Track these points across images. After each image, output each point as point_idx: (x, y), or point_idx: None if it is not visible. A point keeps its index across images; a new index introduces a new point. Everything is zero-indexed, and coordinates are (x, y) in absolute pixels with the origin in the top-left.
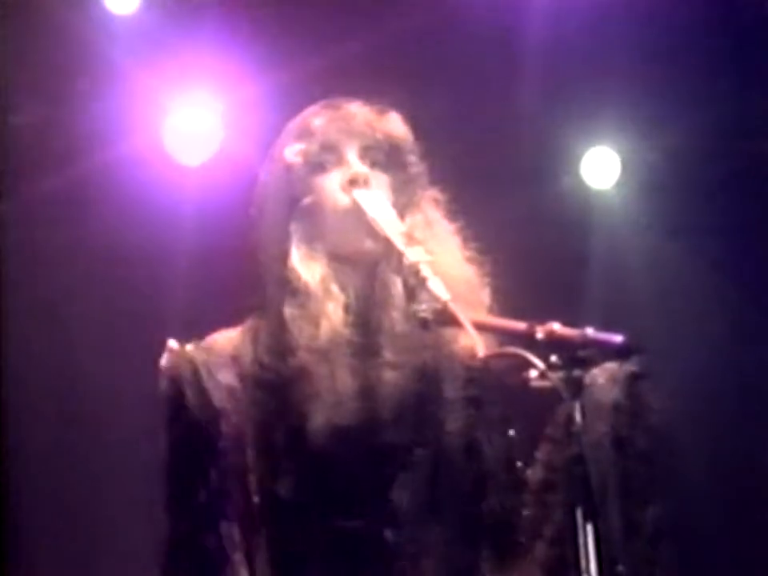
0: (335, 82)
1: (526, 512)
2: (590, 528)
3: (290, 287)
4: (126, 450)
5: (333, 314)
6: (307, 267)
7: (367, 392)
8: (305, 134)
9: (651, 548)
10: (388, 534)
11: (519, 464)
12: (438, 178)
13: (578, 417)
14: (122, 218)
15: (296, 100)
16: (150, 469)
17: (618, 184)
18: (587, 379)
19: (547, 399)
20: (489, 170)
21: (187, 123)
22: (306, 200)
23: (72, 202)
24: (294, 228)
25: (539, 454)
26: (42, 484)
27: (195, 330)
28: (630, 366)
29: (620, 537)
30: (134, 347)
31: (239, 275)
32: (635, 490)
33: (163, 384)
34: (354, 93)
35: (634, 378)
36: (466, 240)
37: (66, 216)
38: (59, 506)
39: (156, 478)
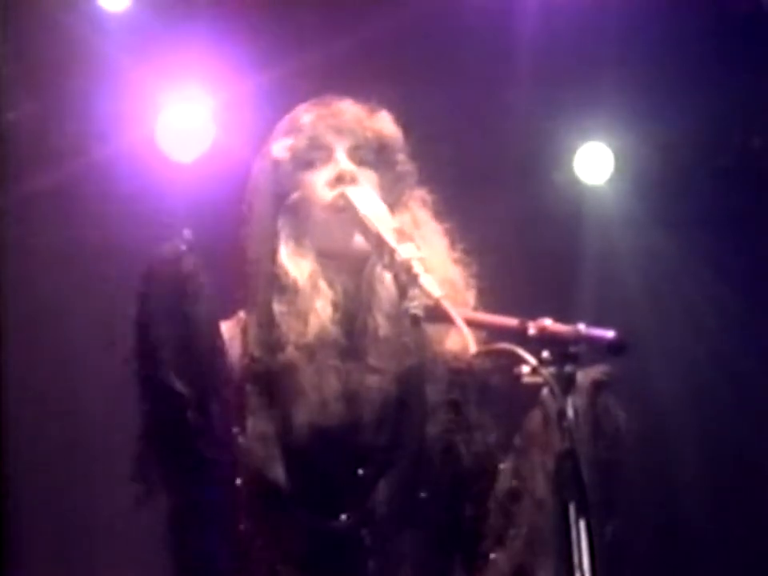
0: (327, 80)
1: (490, 521)
2: (582, 523)
3: (278, 284)
4: (125, 449)
5: (321, 311)
6: (295, 264)
7: (350, 395)
8: (293, 129)
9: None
10: (365, 533)
11: (501, 467)
12: (426, 179)
13: (569, 412)
14: (114, 213)
15: (287, 97)
16: None
17: (612, 179)
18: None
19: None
20: (481, 167)
21: (179, 119)
22: (294, 196)
23: (65, 198)
24: (282, 224)
25: (506, 463)
26: (41, 484)
27: None
28: (594, 374)
29: None
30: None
31: (231, 271)
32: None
33: None
34: (345, 91)
35: (596, 387)
36: (453, 242)
37: (59, 212)
38: (59, 506)
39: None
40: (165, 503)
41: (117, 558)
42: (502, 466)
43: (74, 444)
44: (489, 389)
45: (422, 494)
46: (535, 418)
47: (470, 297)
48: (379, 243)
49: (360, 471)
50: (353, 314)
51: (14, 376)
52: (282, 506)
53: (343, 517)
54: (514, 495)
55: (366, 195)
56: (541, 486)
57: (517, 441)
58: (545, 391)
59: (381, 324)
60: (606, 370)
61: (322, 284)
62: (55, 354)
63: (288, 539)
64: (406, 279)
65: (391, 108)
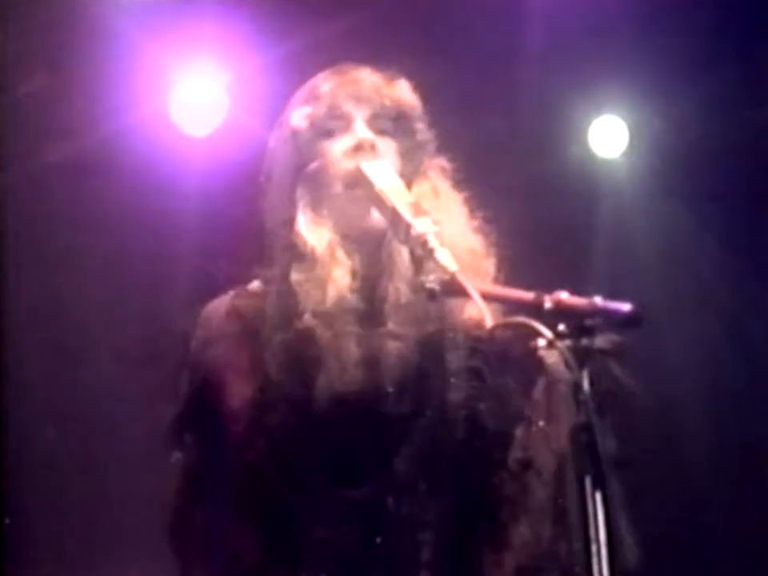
0: (342, 51)
1: (505, 490)
2: (598, 496)
3: (296, 252)
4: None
5: (339, 280)
6: (313, 232)
7: (370, 361)
8: (312, 98)
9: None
10: (390, 501)
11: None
12: (444, 148)
13: (585, 385)
14: (129, 188)
15: (302, 69)
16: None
17: (626, 153)
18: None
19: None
20: (497, 140)
21: (193, 94)
22: (312, 165)
23: (79, 173)
24: (300, 194)
25: (518, 432)
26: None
27: (203, 298)
28: (600, 343)
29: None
30: (141, 317)
31: (247, 243)
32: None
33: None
34: (361, 61)
35: (602, 355)
36: (472, 210)
37: (73, 186)
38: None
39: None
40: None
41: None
42: (516, 433)
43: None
44: (508, 358)
45: (445, 462)
46: (540, 386)
47: (490, 265)
48: (395, 217)
49: (383, 439)
50: (372, 283)
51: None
52: (303, 475)
53: (366, 485)
54: (524, 464)
55: (382, 169)
56: (541, 458)
57: (527, 411)
58: (550, 359)
59: (402, 291)
60: (614, 339)
61: (340, 253)
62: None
63: (309, 509)
64: (421, 253)
65: (409, 78)
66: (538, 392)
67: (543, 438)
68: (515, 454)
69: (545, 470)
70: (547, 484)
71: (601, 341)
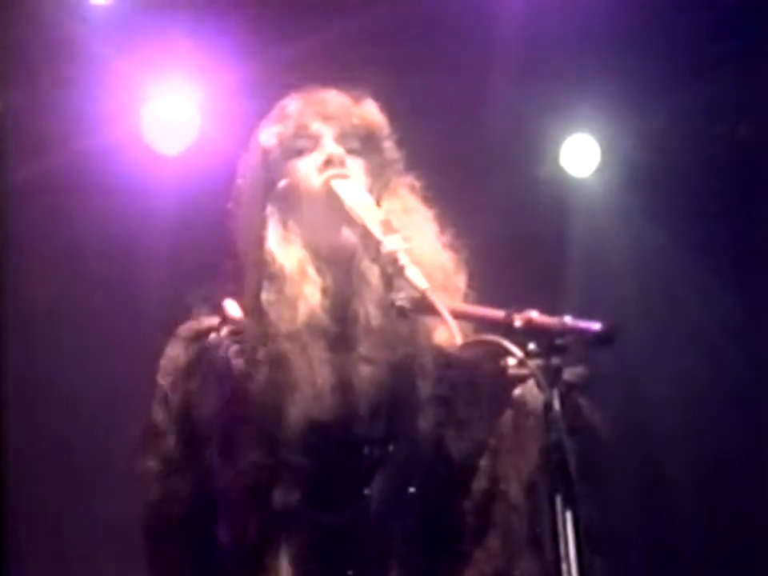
0: (313, 72)
1: (468, 519)
2: (569, 515)
3: (266, 271)
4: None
5: (310, 297)
6: (283, 250)
7: (344, 386)
8: (280, 117)
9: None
10: (362, 528)
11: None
12: (414, 166)
13: (556, 404)
14: (100, 206)
15: (273, 88)
16: None
17: (598, 171)
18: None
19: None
20: (468, 158)
21: (165, 112)
22: (282, 183)
23: (50, 190)
24: (270, 211)
25: (482, 462)
26: (41, 482)
27: (176, 317)
28: (567, 376)
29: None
30: (112, 335)
31: (219, 263)
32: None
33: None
34: (332, 81)
35: (568, 388)
36: (442, 227)
37: (43, 204)
38: (59, 506)
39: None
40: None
41: (117, 558)
42: (480, 463)
43: (74, 443)
44: (478, 385)
45: (413, 489)
46: (508, 418)
47: (461, 282)
48: (365, 235)
49: (355, 464)
50: (343, 303)
51: (14, 376)
52: (276, 499)
53: (340, 511)
54: (488, 495)
55: (353, 187)
56: (513, 489)
57: (492, 441)
58: (517, 391)
59: (372, 314)
60: (580, 371)
61: (311, 270)
62: (55, 353)
63: (280, 533)
64: (392, 271)
65: (377, 97)
66: (506, 424)
67: (512, 468)
68: (480, 483)
69: (515, 499)
70: (517, 511)
71: (568, 373)
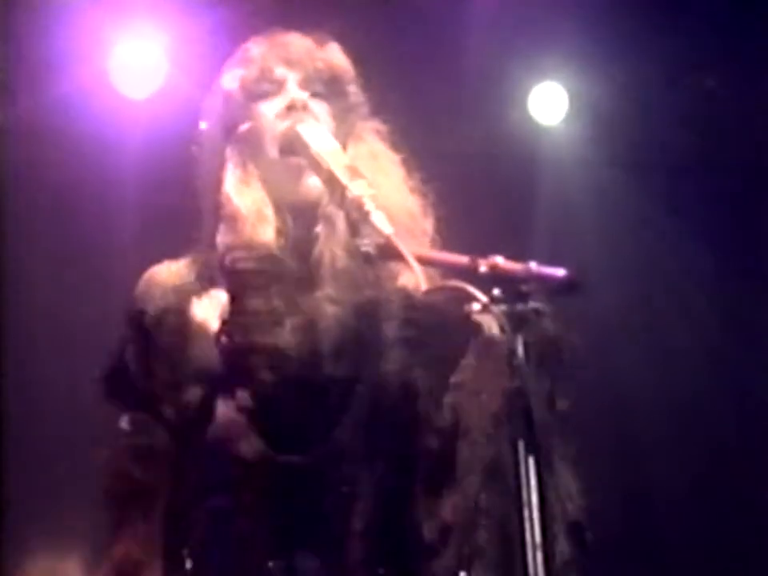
0: (281, 15)
1: (436, 454)
2: (531, 461)
3: (222, 213)
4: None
5: (264, 237)
6: (240, 192)
7: (307, 325)
8: (244, 61)
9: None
10: (327, 469)
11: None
12: (380, 110)
13: (519, 350)
14: (68, 150)
15: (241, 33)
16: None
17: (566, 120)
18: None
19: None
20: (437, 105)
21: (133, 56)
22: (244, 126)
23: (18, 136)
24: (230, 154)
25: (446, 399)
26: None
27: (142, 260)
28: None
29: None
30: (84, 279)
31: (183, 207)
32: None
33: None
34: (298, 26)
35: (536, 315)
36: (410, 171)
37: (12, 149)
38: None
39: None
40: None
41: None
42: (444, 400)
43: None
44: (442, 324)
45: (383, 428)
46: (472, 348)
47: (428, 225)
48: (331, 180)
49: (321, 405)
50: (307, 246)
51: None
52: (241, 441)
53: (308, 453)
54: (453, 431)
55: (319, 131)
56: (474, 418)
57: (455, 377)
58: (484, 320)
59: (338, 255)
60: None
61: (268, 211)
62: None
63: (248, 475)
64: (357, 216)
65: (341, 41)
66: (471, 353)
67: (474, 399)
68: (445, 416)
69: (475, 430)
70: (476, 444)
71: (533, 303)
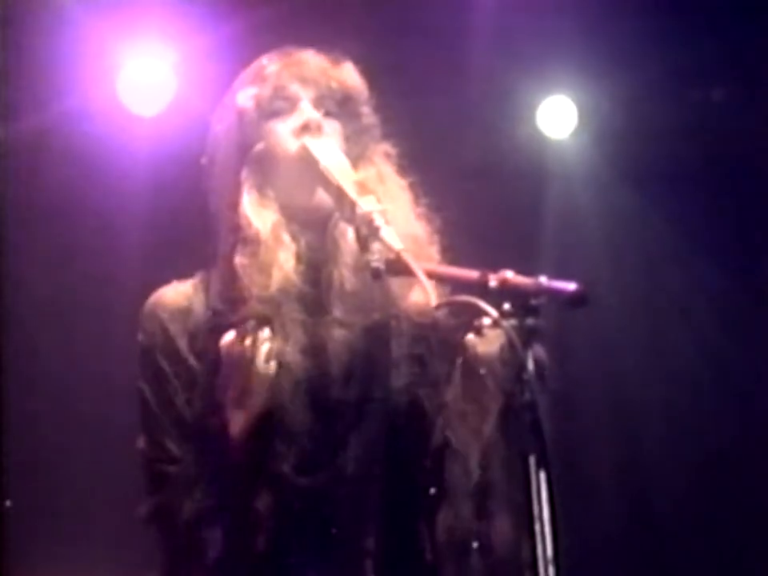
0: (289, 32)
1: (432, 475)
2: (542, 475)
3: (241, 235)
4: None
5: (284, 263)
6: (258, 215)
7: (317, 348)
8: (258, 79)
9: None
10: (336, 490)
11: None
12: (389, 132)
13: (529, 365)
14: (76, 168)
15: (249, 50)
16: None
17: (575, 133)
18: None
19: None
20: (446, 121)
21: (141, 73)
22: (258, 146)
23: (27, 152)
24: (246, 175)
25: (439, 419)
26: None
27: (150, 279)
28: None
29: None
30: (89, 303)
31: (193, 226)
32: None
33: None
34: (308, 43)
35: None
36: (417, 196)
37: (20, 166)
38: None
39: None
40: None
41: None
42: (437, 420)
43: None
44: (453, 344)
45: (389, 450)
46: (458, 369)
47: (434, 252)
48: (340, 196)
49: (330, 426)
50: (317, 267)
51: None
52: (252, 464)
53: (317, 475)
54: (440, 448)
55: (328, 147)
56: (461, 438)
57: (448, 395)
58: (469, 342)
59: (346, 277)
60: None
61: (285, 236)
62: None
63: (260, 497)
64: (366, 232)
65: (355, 61)
66: (456, 372)
67: (461, 419)
68: (436, 437)
69: (463, 450)
70: (463, 464)
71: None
